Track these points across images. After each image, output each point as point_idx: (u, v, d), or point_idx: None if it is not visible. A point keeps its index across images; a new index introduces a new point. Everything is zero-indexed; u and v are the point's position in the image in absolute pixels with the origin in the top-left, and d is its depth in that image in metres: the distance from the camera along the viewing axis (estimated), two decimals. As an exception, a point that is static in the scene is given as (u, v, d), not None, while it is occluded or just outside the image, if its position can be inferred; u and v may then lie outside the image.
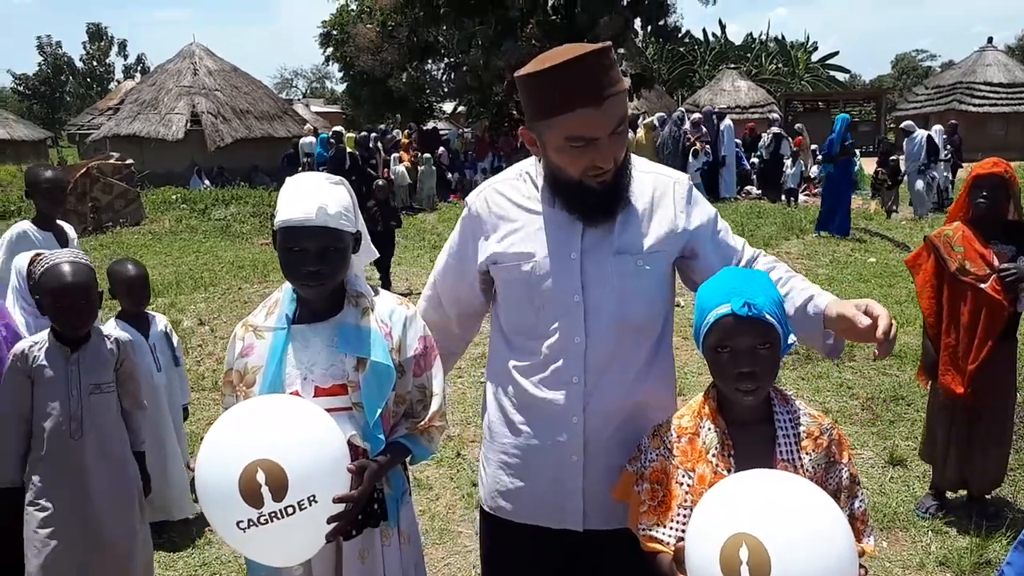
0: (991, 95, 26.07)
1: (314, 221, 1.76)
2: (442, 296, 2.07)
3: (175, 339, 3.88)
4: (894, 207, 14.29)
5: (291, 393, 1.80)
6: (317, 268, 1.77)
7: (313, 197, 1.78)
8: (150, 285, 3.78)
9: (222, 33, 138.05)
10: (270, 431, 1.56)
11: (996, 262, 3.43)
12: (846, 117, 11.96)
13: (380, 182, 10.21)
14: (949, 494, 3.85)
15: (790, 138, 16.89)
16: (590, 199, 1.75)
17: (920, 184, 13.81)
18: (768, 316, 1.55)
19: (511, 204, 1.87)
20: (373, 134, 16.89)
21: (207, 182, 19.66)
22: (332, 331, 1.85)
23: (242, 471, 1.51)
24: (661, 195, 1.86)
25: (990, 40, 29.07)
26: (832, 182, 11.49)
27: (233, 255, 11.31)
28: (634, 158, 1.89)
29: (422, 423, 1.93)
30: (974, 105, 26.26)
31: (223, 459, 1.54)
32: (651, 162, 1.97)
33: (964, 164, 15.59)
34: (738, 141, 16.98)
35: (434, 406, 1.94)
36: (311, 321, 1.87)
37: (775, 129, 16.67)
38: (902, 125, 14.89)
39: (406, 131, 20.17)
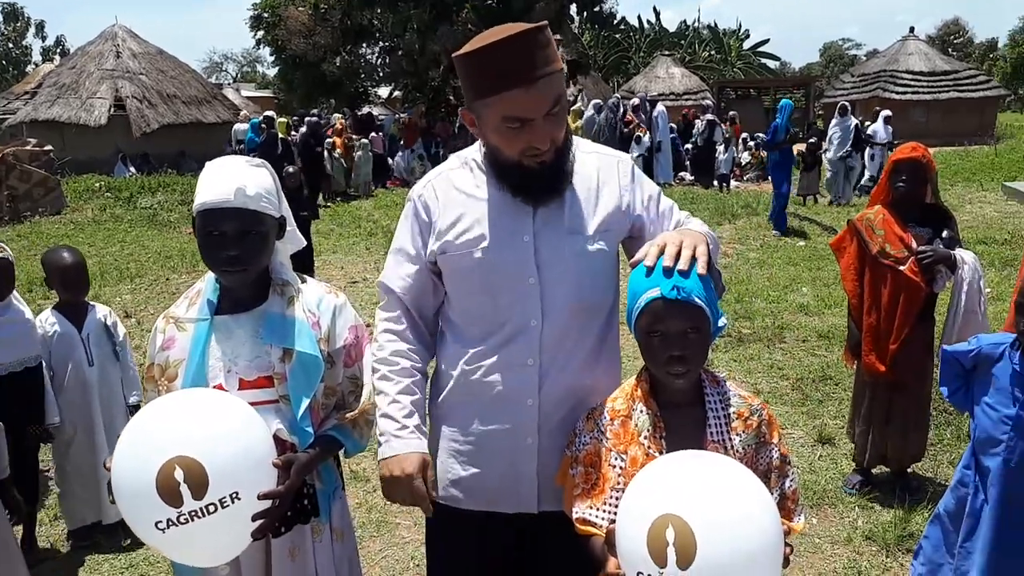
0: (913, 83, 26.96)
1: (232, 203, 1.70)
2: (406, 298, 1.88)
3: (120, 331, 3.67)
4: (812, 193, 13.85)
5: (215, 386, 1.74)
6: (237, 252, 1.71)
7: (232, 179, 1.72)
8: (88, 273, 3.61)
9: (148, 15, 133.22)
10: (188, 426, 1.49)
11: (914, 244, 3.54)
12: (789, 103, 11.40)
13: (290, 169, 9.56)
14: (874, 470, 3.98)
15: (723, 125, 17.20)
16: (531, 180, 1.74)
17: (837, 169, 13.86)
18: (697, 299, 1.55)
19: (458, 192, 1.83)
20: (315, 119, 16.50)
21: (132, 169, 18.98)
22: (256, 321, 1.79)
23: (159, 469, 1.44)
24: (606, 175, 1.86)
25: (912, 30, 30.03)
26: (776, 169, 11.11)
27: (160, 244, 10.97)
28: (576, 139, 1.89)
29: (352, 414, 1.88)
30: (897, 93, 27.12)
31: (139, 457, 1.47)
32: (593, 143, 1.97)
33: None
34: (673, 127, 17.21)
35: (365, 396, 1.89)
36: (235, 311, 1.80)
37: (709, 116, 16.94)
38: (840, 105, 14.67)
39: (339, 116, 19.82)
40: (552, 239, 1.78)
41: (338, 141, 16.28)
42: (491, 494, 1.85)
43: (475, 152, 1.87)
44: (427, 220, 1.85)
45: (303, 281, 1.91)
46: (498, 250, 1.77)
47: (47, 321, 3.51)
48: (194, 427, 1.50)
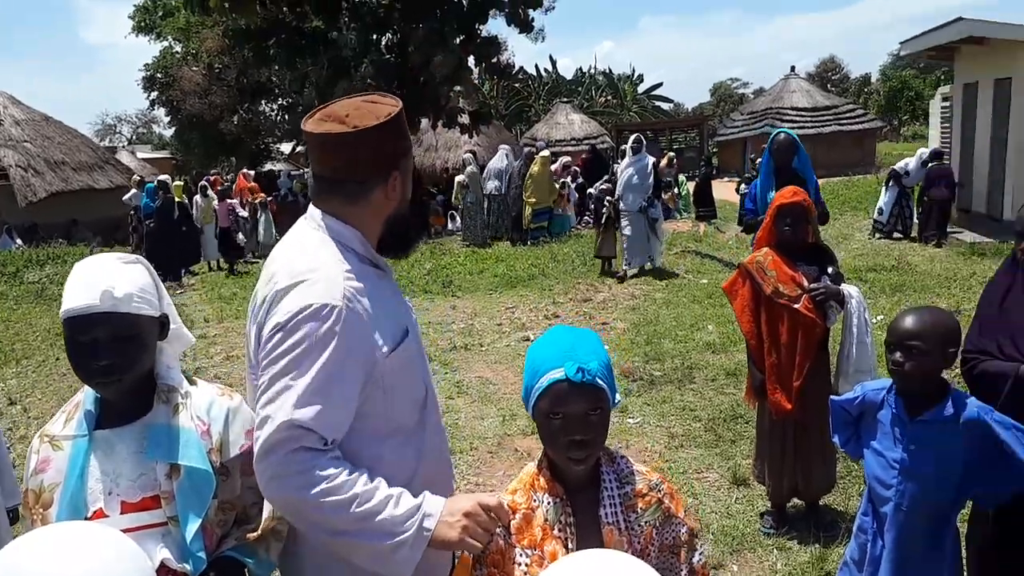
0: (797, 119, 28.46)
1: (99, 307, 1.57)
2: (339, 442, 1.62)
3: None
4: (610, 256, 11.31)
5: (94, 512, 1.59)
6: (110, 361, 1.58)
7: (98, 280, 1.60)
8: None
9: (34, 82, 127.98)
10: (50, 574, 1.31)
11: (805, 283, 3.69)
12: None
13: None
14: (789, 506, 4.05)
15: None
16: (410, 229, 1.88)
17: (637, 225, 10.58)
18: (600, 381, 1.53)
19: (362, 285, 1.68)
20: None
21: (19, 241, 18.06)
22: (140, 434, 1.65)
23: None
24: None
25: (793, 69, 31.85)
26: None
27: (50, 321, 10.38)
28: None
29: (256, 530, 1.74)
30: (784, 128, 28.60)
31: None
32: None
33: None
34: (576, 170, 17.62)
35: (269, 507, 1.74)
36: (116, 424, 1.67)
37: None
38: (634, 137, 11.15)
39: (242, 173, 19.44)
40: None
41: (247, 198, 15.84)
42: None
43: (332, 241, 1.72)
44: (367, 329, 1.65)
45: (192, 383, 1.80)
46: (415, 331, 1.84)
47: None
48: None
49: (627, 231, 10.70)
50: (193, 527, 1.60)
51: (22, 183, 19.83)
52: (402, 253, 1.89)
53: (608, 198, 11.07)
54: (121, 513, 1.60)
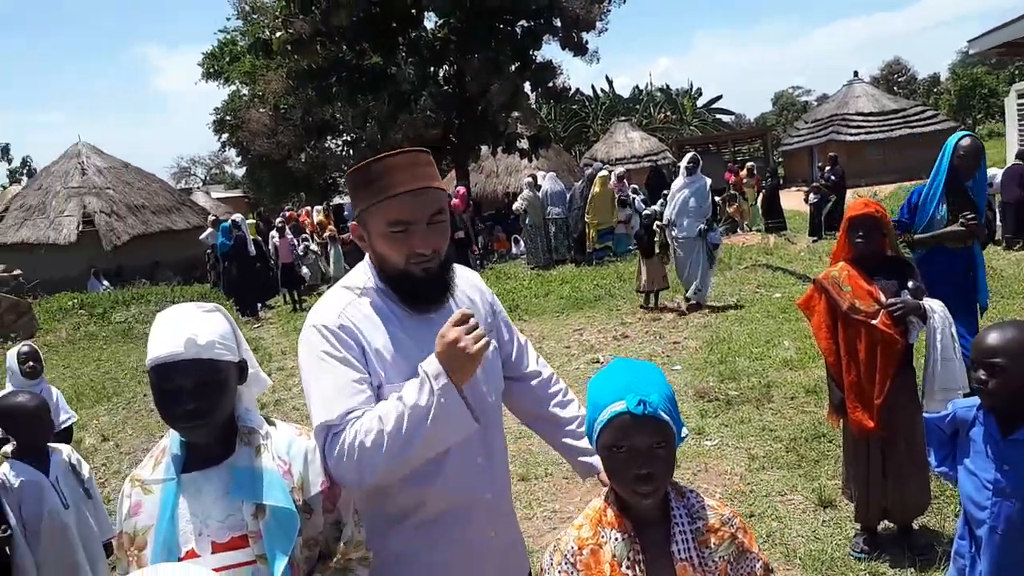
0: (864, 124, 27.81)
1: (184, 355, 1.64)
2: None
3: (85, 470, 3.55)
4: (656, 289, 10.23)
5: (186, 552, 1.65)
6: (194, 406, 1.65)
7: (180, 329, 1.67)
8: (50, 416, 3.51)
9: (112, 130, 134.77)
10: None
11: (883, 298, 3.56)
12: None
13: None
14: (880, 527, 3.89)
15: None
16: (417, 287, 1.85)
17: (694, 252, 9.57)
18: (663, 413, 1.52)
19: (370, 321, 1.86)
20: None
21: (106, 283, 18.90)
22: (226, 476, 1.71)
23: None
24: (472, 284, 2.08)
25: (856, 74, 31.14)
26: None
27: (136, 360, 10.80)
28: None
29: (337, 560, 1.79)
30: (850, 135, 27.95)
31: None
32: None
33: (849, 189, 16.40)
34: (635, 187, 17.50)
35: (347, 535, 1.79)
36: (203, 467, 1.73)
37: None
38: (690, 157, 10.04)
39: (304, 210, 19.97)
40: None
41: (318, 231, 16.21)
42: None
43: (362, 279, 1.93)
44: (358, 348, 1.81)
45: (271, 424, 1.85)
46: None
47: (8, 473, 3.37)
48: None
49: (682, 259, 9.78)
50: (281, 565, 1.64)
51: (106, 228, 20.81)
52: (415, 307, 1.88)
53: (657, 223, 10.22)
54: (212, 553, 1.66)
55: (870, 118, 28.11)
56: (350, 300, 1.88)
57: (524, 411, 2.20)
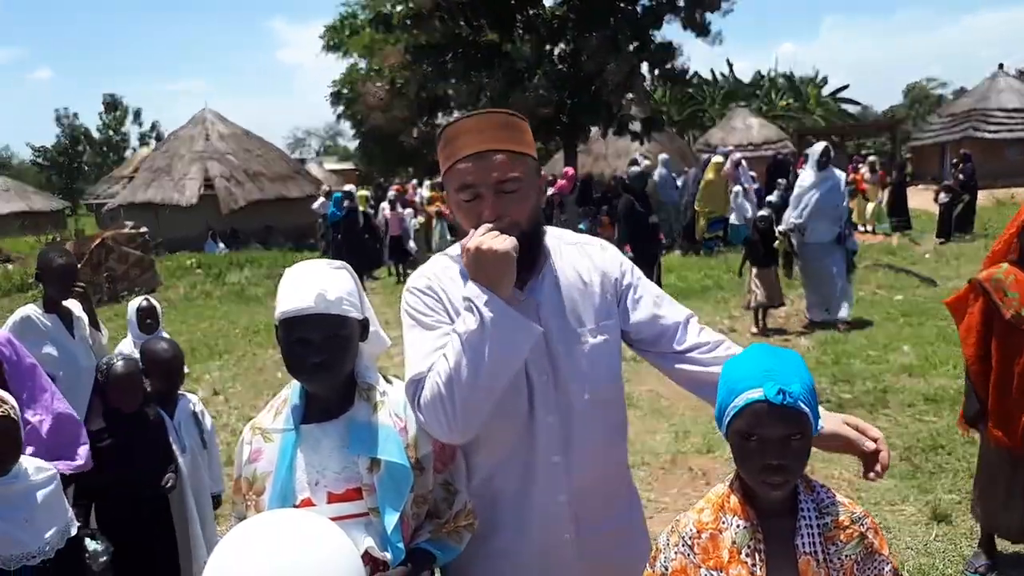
0: (1006, 120, 26.00)
1: (314, 309, 1.66)
2: None
3: (207, 421, 3.71)
4: (773, 305, 8.68)
5: (302, 500, 1.67)
6: (322, 358, 1.67)
7: (311, 284, 1.69)
8: (183, 366, 3.67)
9: (236, 100, 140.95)
10: (274, 560, 1.39)
11: None
12: None
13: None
14: (1001, 548, 3.62)
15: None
16: None
17: (829, 261, 8.16)
18: (803, 405, 1.44)
19: (459, 287, 1.79)
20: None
21: (222, 245, 19.82)
22: (343, 430, 1.73)
23: None
24: (591, 264, 1.89)
25: (1001, 66, 29.04)
26: None
27: (248, 319, 11.28)
28: (559, 231, 1.94)
29: (448, 524, 1.78)
30: (989, 132, 26.16)
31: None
32: (576, 233, 2.03)
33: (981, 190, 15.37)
34: (752, 176, 16.79)
35: (459, 503, 1.79)
36: (321, 419, 1.75)
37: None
38: (823, 149, 8.34)
39: (411, 185, 20.30)
40: (560, 333, 1.79)
41: (433, 208, 16.33)
42: None
43: (457, 248, 1.84)
44: (444, 307, 1.79)
45: (388, 382, 1.85)
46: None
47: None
48: (281, 560, 1.39)
49: (814, 270, 8.37)
50: (393, 519, 1.65)
51: (225, 192, 21.77)
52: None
53: (780, 228, 8.49)
54: (327, 503, 1.67)
55: (1014, 115, 26.18)
56: (445, 265, 1.87)
57: (691, 385, 1.97)
